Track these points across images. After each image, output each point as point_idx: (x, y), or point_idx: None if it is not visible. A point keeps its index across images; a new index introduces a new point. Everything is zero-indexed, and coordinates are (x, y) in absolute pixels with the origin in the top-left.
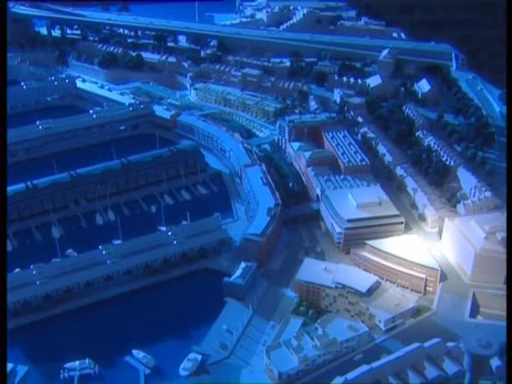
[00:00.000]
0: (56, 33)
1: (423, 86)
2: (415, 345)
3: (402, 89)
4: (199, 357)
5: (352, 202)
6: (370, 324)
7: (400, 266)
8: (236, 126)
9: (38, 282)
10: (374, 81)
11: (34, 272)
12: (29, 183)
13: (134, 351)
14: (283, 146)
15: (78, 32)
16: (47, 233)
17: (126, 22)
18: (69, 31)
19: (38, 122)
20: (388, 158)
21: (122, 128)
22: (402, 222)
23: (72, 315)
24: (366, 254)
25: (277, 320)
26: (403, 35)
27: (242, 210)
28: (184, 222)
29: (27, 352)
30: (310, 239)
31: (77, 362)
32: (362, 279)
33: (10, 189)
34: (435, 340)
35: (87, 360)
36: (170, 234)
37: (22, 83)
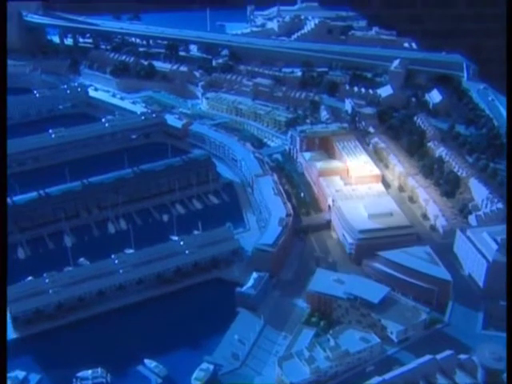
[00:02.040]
0: (68, 41)
1: (434, 96)
2: (427, 357)
3: (413, 99)
4: (211, 367)
5: (363, 212)
6: (382, 335)
7: (412, 278)
8: (247, 135)
9: (50, 291)
10: (385, 91)
11: (46, 280)
12: (41, 191)
13: (146, 360)
14: (294, 156)
15: (90, 41)
16: (59, 241)
17: (137, 30)
18: (81, 40)
19: (50, 131)
20: (399, 169)
21: (133, 137)
22: (413, 233)
23: (84, 324)
24: (377, 264)
25: (288, 330)
26: (414, 45)
27: (254, 219)
28: (196, 232)
29: (40, 360)
30: (322, 249)
31: (89, 371)
32: (373, 290)
33: (23, 197)
34: (447, 352)
35: (99, 369)
36: (182, 243)
37: (35, 91)
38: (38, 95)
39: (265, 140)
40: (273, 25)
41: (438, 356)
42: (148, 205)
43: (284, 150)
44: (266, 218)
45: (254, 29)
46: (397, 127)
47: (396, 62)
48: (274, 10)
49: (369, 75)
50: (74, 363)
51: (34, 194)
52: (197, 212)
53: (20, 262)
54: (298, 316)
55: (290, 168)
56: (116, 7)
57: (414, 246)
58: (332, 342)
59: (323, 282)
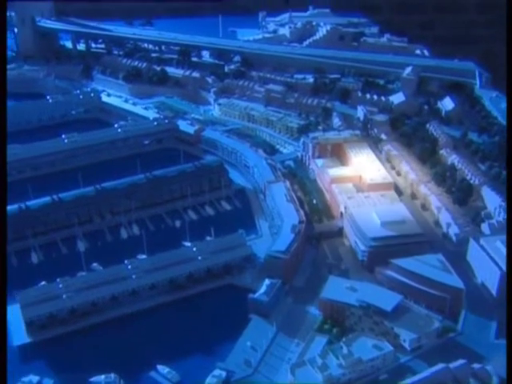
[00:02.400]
0: (81, 47)
1: (447, 103)
2: (440, 365)
3: (426, 106)
4: (224, 373)
5: (376, 219)
6: (395, 343)
7: (424, 286)
8: (259, 141)
9: (64, 296)
10: (397, 98)
11: (60, 285)
12: (54, 196)
13: (159, 366)
14: (307, 163)
15: (103, 46)
16: (72, 246)
17: (150, 36)
18: (93, 45)
19: (63, 136)
20: (411, 176)
21: (146, 142)
22: (426, 241)
23: (97, 329)
24: (390, 272)
25: (301, 338)
26: (426, 52)
27: (266, 226)
28: (208, 238)
29: (53, 365)
30: (334, 256)
31: (102, 377)
32: (386, 298)
33: (37, 202)
34: (461, 361)
35: (112, 374)
36: (194, 249)
37: (48, 97)
38: (51, 100)
39: (277, 146)
40: (285, 31)
41: (452, 365)
42: (160, 211)
43: (296, 157)
44: (279, 224)
45: (266, 35)
46: (409, 134)
47: (408, 69)
48: (285, 16)
49: (381, 82)
50: (87, 368)
51: (47, 199)
52: (209, 218)
53: (33, 266)
54: (311, 323)
55: (302, 175)
56: (128, 12)
57: (426, 253)
58: (345, 350)
59: (336, 289)
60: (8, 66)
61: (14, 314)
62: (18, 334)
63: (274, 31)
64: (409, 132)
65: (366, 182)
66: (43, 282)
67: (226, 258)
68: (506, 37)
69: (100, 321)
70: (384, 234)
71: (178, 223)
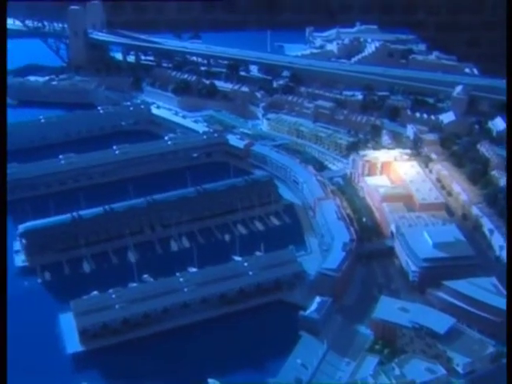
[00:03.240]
0: (130, 59)
1: (498, 123)
2: None
3: (477, 126)
4: None
5: (428, 240)
6: (448, 367)
7: (477, 309)
8: (308, 157)
9: (117, 306)
10: (447, 117)
11: (113, 296)
12: (107, 207)
13: (210, 380)
14: (356, 180)
15: (152, 58)
16: (123, 256)
17: (199, 50)
18: (143, 57)
19: (114, 147)
20: (463, 197)
21: (195, 155)
22: (478, 264)
23: (149, 340)
24: (442, 294)
25: (351, 357)
26: (475, 71)
27: (315, 243)
28: (258, 253)
29: (105, 374)
30: (384, 276)
31: None
32: (439, 320)
33: (89, 212)
34: None
35: None
36: (246, 264)
37: (99, 107)
38: (101, 111)
39: (325, 163)
40: (332, 47)
41: None
42: (210, 224)
43: (345, 174)
44: (329, 242)
45: (314, 50)
46: (460, 154)
47: (459, 88)
48: (332, 32)
49: (430, 100)
50: (138, 379)
51: (100, 209)
52: (258, 233)
53: (85, 275)
54: (361, 342)
55: (351, 192)
56: (174, 25)
57: (478, 276)
58: (397, 371)
59: (388, 309)
60: (60, 77)
61: (67, 322)
62: (72, 342)
63: (321, 47)
64: (459, 152)
65: (418, 201)
66: (95, 292)
67: (276, 274)
68: (505, 37)
69: (151, 332)
70: (436, 255)
71: (227, 237)
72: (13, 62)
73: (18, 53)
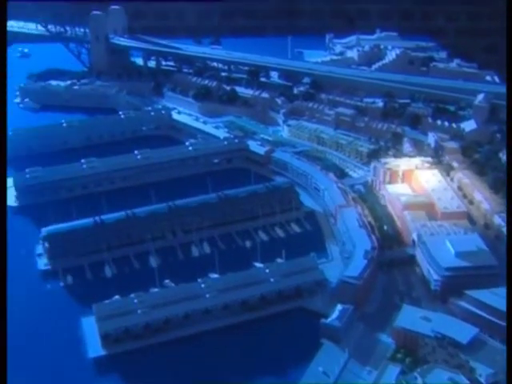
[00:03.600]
0: (151, 64)
1: None
2: None
3: (498, 135)
4: None
5: (450, 249)
6: (470, 377)
7: (500, 320)
8: (329, 164)
9: (139, 311)
10: (469, 125)
11: (135, 300)
12: (129, 211)
13: None
14: (377, 188)
15: (172, 64)
16: (144, 261)
17: (219, 55)
18: (163, 63)
19: (136, 152)
20: (485, 206)
21: (216, 161)
22: (501, 273)
23: (170, 346)
24: (464, 303)
25: (373, 365)
26: (496, 78)
27: (337, 250)
28: (279, 260)
29: (126, 379)
30: (405, 284)
31: None
32: (462, 330)
33: (112, 216)
34: None
35: None
36: (267, 271)
37: (120, 112)
38: (123, 116)
39: (346, 170)
40: (352, 54)
41: None
42: (231, 230)
43: (366, 181)
44: (350, 249)
45: (334, 57)
46: (481, 163)
47: (480, 97)
48: (352, 39)
49: (452, 108)
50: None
51: (122, 214)
52: (279, 240)
53: (106, 279)
54: (382, 351)
55: (372, 200)
56: (193, 31)
57: (501, 286)
58: (420, 381)
59: (410, 318)
60: (81, 81)
61: (89, 326)
62: (93, 346)
63: (341, 53)
64: (481, 160)
65: (440, 210)
66: (117, 296)
67: (298, 281)
68: (506, 37)
69: (173, 337)
70: (458, 265)
71: (248, 243)
72: (35, 66)
73: (40, 57)
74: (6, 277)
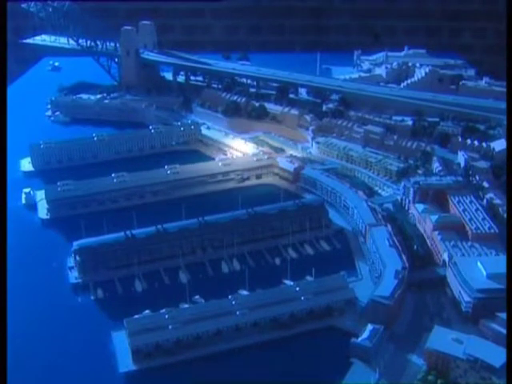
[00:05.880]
0: (180, 78)
1: None
2: None
3: None
4: None
5: (482, 271)
6: None
7: None
8: (358, 182)
9: (170, 327)
10: (499, 145)
11: (166, 316)
12: (160, 227)
13: None
14: (406, 207)
15: (201, 79)
16: (174, 277)
17: (249, 72)
18: (192, 78)
19: (166, 167)
20: None
21: (245, 177)
22: None
23: (201, 362)
24: (496, 326)
25: None
26: None
27: (366, 269)
28: (309, 278)
29: None
30: (436, 305)
31: None
32: (494, 353)
33: (143, 231)
34: None
35: None
36: (297, 289)
37: (150, 127)
38: (152, 131)
39: (375, 188)
40: (381, 71)
41: None
42: (261, 247)
43: (395, 200)
44: (380, 268)
45: (362, 74)
46: None
47: None
48: (381, 56)
49: (481, 127)
50: None
51: (152, 229)
52: (308, 257)
53: (137, 294)
54: (413, 372)
55: (401, 218)
56: (220, 46)
57: None
58: None
59: (442, 339)
60: (111, 95)
61: (120, 341)
62: (124, 361)
63: (369, 70)
64: None
65: (471, 231)
66: (147, 311)
67: (328, 300)
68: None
69: (203, 354)
70: (490, 286)
71: (277, 260)
72: (66, 79)
73: (71, 71)
74: (5, 277)
